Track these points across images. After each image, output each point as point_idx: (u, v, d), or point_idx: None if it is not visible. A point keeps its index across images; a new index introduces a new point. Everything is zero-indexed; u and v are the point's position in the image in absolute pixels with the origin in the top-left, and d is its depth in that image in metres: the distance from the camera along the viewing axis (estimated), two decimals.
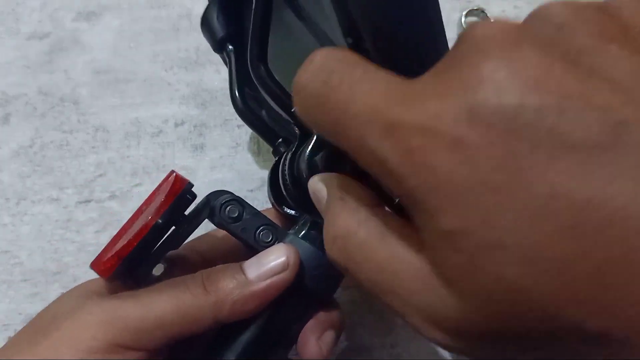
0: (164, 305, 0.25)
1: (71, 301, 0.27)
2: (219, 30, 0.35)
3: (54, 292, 0.38)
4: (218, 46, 0.36)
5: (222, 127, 0.44)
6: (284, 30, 0.31)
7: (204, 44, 0.47)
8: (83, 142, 0.43)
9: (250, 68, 0.31)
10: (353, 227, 0.18)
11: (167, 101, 0.45)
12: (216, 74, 0.46)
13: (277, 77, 0.30)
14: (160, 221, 0.26)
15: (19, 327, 0.37)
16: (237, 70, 0.33)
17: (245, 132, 0.44)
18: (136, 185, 0.42)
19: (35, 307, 0.38)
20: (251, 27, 0.30)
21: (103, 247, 0.39)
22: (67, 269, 0.39)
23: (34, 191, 0.41)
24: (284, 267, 0.26)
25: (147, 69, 0.46)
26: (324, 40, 0.28)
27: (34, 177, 0.42)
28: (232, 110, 0.45)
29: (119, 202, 0.41)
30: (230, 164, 0.43)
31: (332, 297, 0.30)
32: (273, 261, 0.26)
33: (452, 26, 0.47)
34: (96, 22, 0.48)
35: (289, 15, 0.30)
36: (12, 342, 0.27)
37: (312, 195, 0.22)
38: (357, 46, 0.24)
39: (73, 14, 0.48)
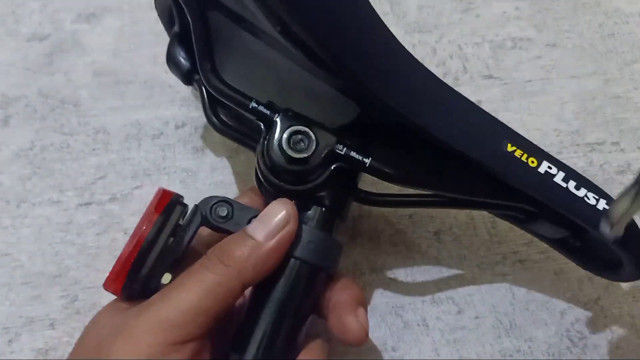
0: (194, 294, 0.27)
1: (108, 323, 0.28)
2: (184, 64, 0.37)
3: (54, 295, 0.38)
4: (186, 79, 0.38)
5: None
6: (233, 42, 0.33)
7: None
8: (83, 144, 0.43)
9: (204, 82, 0.33)
10: None
11: (168, 103, 0.45)
12: None
13: (234, 85, 0.32)
14: (153, 231, 0.28)
15: (20, 330, 0.37)
16: (208, 96, 0.35)
17: None
18: (137, 187, 0.42)
19: (35, 310, 0.38)
20: (195, 46, 0.33)
21: (104, 249, 0.39)
22: (68, 272, 0.39)
23: (35, 194, 0.41)
24: (287, 220, 0.28)
25: (148, 70, 0.46)
26: (266, 38, 0.32)
27: (34, 179, 0.42)
28: None
29: (120, 205, 0.41)
30: (232, 166, 0.42)
31: (333, 274, 0.32)
32: (275, 217, 0.28)
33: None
34: (96, 24, 0.48)
35: (232, 28, 0.33)
36: None
37: None
38: (285, 32, 0.27)
39: (73, 16, 0.48)
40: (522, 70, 0.47)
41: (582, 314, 0.38)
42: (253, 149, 0.34)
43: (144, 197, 0.41)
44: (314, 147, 0.29)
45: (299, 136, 0.29)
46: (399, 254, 0.40)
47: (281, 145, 0.29)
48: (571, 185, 0.30)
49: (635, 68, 0.47)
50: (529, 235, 0.37)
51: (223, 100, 0.32)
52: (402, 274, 0.39)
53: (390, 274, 0.39)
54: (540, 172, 0.30)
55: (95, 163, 0.42)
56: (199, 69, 0.33)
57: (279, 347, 0.29)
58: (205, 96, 0.35)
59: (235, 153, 0.43)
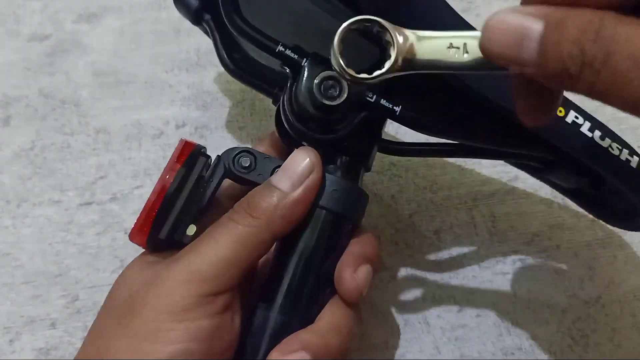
0: (225, 247, 0.27)
1: (138, 277, 0.28)
2: (193, 2, 0.35)
3: (55, 295, 0.38)
4: (195, 18, 0.36)
5: (223, 128, 0.44)
6: None
7: (205, 46, 0.47)
8: (84, 144, 0.43)
9: (226, 21, 0.31)
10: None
11: (168, 103, 0.45)
12: (217, 75, 0.46)
13: (256, 25, 0.31)
14: (176, 181, 0.28)
15: (21, 330, 0.37)
16: (220, 36, 0.34)
17: (246, 134, 0.44)
18: (137, 187, 0.42)
19: (36, 310, 0.38)
20: None
21: (104, 249, 0.39)
22: (69, 271, 0.39)
23: (35, 193, 0.41)
24: (311, 169, 0.28)
25: (148, 70, 0.46)
26: None
27: (35, 179, 0.42)
28: (234, 111, 0.45)
29: (120, 204, 0.41)
30: None
31: (359, 224, 0.31)
32: (300, 166, 0.28)
33: None
34: (97, 24, 0.48)
35: None
36: (98, 331, 0.28)
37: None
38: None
39: (74, 16, 0.48)
40: None
41: (584, 312, 0.38)
42: (268, 93, 0.33)
43: (145, 197, 0.41)
44: (345, 94, 0.28)
45: (330, 82, 0.28)
46: (399, 252, 0.40)
47: (312, 91, 0.27)
48: (596, 135, 0.29)
49: None
50: (530, 235, 0.37)
51: (249, 42, 0.31)
52: (402, 273, 0.39)
53: (391, 272, 0.39)
54: (567, 122, 0.29)
55: (96, 163, 0.42)
56: (222, 9, 0.31)
57: (306, 297, 0.29)
58: (218, 38, 0.34)
59: None
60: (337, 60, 0.24)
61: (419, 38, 0.23)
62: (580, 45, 0.18)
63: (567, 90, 0.21)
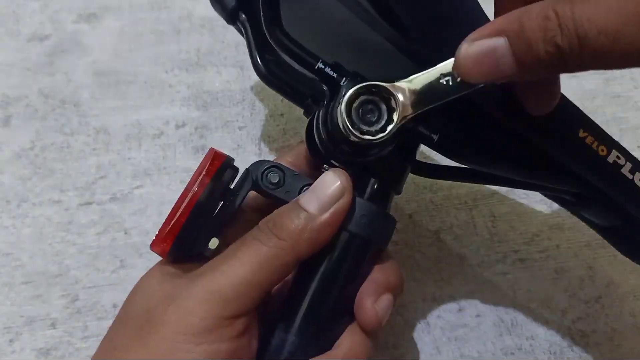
0: (248, 267, 0.26)
1: (157, 290, 0.27)
2: (230, 0, 0.34)
3: (55, 295, 0.38)
4: (231, 17, 0.35)
5: (223, 128, 0.44)
6: None
7: (205, 46, 0.47)
8: (84, 144, 0.43)
9: (266, 33, 0.30)
10: None
11: (168, 103, 0.45)
12: (217, 75, 0.46)
13: (295, 37, 0.30)
14: (205, 195, 0.27)
15: (21, 330, 0.37)
16: (254, 38, 0.33)
17: (246, 133, 0.44)
18: (137, 187, 0.42)
19: (36, 310, 0.38)
20: None
21: (104, 249, 0.39)
22: (69, 271, 0.39)
23: (35, 193, 0.41)
24: (341, 193, 0.27)
25: (148, 70, 0.46)
26: None
27: (35, 179, 0.42)
28: (233, 111, 0.45)
29: (120, 204, 0.41)
30: None
31: (385, 251, 0.30)
32: (329, 189, 0.27)
33: None
34: (97, 24, 0.48)
35: None
36: (114, 342, 0.27)
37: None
38: None
39: (74, 16, 0.48)
40: None
41: (584, 312, 0.38)
42: (299, 103, 0.32)
43: (145, 197, 0.41)
44: (385, 119, 0.26)
45: (369, 106, 0.26)
46: (399, 252, 0.40)
47: (349, 114, 0.26)
48: (637, 177, 0.29)
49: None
50: (530, 234, 0.37)
51: (285, 56, 0.30)
52: (403, 273, 0.39)
53: None
54: (609, 162, 0.29)
55: (96, 163, 0.42)
56: (262, 19, 0.30)
57: (325, 322, 0.28)
58: (252, 39, 0.33)
59: (235, 153, 0.43)
60: (344, 120, 0.25)
61: (411, 80, 0.25)
62: (551, 42, 0.20)
63: (559, 73, 0.23)
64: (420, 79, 0.25)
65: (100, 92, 0.45)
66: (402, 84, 0.25)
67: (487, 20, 0.27)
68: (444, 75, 0.24)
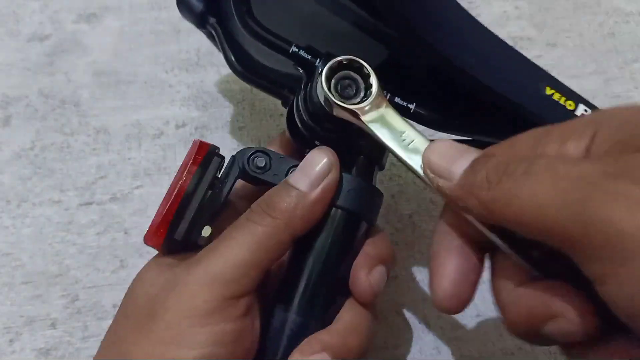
0: (246, 248, 0.26)
1: (156, 280, 0.27)
2: (197, 4, 0.35)
3: (55, 295, 0.38)
4: (200, 21, 0.36)
5: (223, 128, 0.44)
6: None
7: (205, 46, 0.47)
8: (84, 144, 0.43)
9: (240, 24, 0.32)
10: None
11: (168, 103, 0.45)
12: (217, 75, 0.46)
13: (268, 26, 0.31)
14: (192, 183, 0.28)
15: (21, 330, 0.37)
16: (225, 38, 0.34)
17: (246, 133, 0.44)
18: (137, 187, 0.42)
19: (36, 310, 0.38)
20: None
21: (104, 249, 0.39)
22: (69, 271, 0.39)
23: (35, 193, 0.41)
24: (329, 169, 0.28)
25: (148, 70, 0.46)
26: None
27: (35, 179, 0.42)
28: (234, 111, 0.45)
29: (120, 204, 0.41)
30: None
31: (374, 223, 0.31)
32: (317, 166, 0.28)
33: None
34: (97, 24, 0.48)
35: None
36: (117, 335, 0.27)
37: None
38: None
39: (74, 16, 0.48)
40: None
41: None
42: (276, 95, 0.33)
43: (145, 197, 0.41)
44: (363, 90, 0.28)
45: (346, 81, 0.28)
46: (399, 252, 0.39)
47: (330, 89, 0.27)
48: None
49: (635, 67, 0.47)
50: None
51: (262, 44, 0.31)
52: (402, 273, 0.39)
53: (391, 272, 0.39)
54: (576, 115, 0.30)
55: (96, 163, 0.42)
56: (234, 11, 0.32)
57: (323, 298, 0.29)
58: (224, 41, 0.34)
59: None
60: (326, 93, 0.27)
61: (388, 104, 0.27)
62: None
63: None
64: (392, 113, 0.27)
65: (100, 92, 0.45)
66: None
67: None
68: (402, 136, 0.27)
